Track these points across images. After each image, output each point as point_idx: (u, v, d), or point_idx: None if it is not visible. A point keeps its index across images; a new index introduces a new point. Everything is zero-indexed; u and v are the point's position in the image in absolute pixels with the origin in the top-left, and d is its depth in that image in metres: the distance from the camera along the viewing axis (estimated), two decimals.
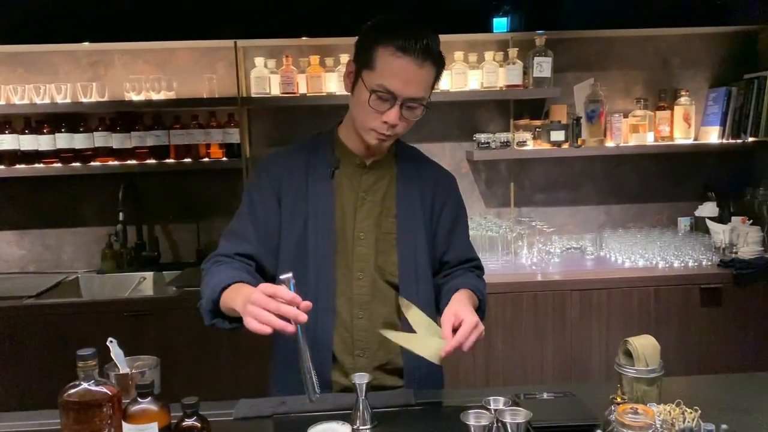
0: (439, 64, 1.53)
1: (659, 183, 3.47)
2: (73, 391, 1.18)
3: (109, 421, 1.18)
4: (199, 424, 1.21)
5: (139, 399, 1.20)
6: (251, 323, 1.26)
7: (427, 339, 1.44)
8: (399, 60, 1.46)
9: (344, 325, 1.61)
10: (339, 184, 1.64)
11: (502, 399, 1.32)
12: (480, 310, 1.62)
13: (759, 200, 3.25)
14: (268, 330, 1.23)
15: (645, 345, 1.38)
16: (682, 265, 2.93)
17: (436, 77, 1.55)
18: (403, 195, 1.66)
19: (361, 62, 1.52)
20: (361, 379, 1.46)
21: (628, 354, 1.42)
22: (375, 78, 1.48)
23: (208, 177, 3.30)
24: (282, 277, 1.28)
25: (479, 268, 1.79)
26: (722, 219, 3.24)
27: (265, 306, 1.25)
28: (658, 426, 1.15)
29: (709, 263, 2.94)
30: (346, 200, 1.63)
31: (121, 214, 3.08)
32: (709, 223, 3.19)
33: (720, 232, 3.08)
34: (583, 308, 2.79)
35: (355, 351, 1.61)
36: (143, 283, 3.13)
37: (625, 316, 2.81)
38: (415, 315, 1.51)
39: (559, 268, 2.97)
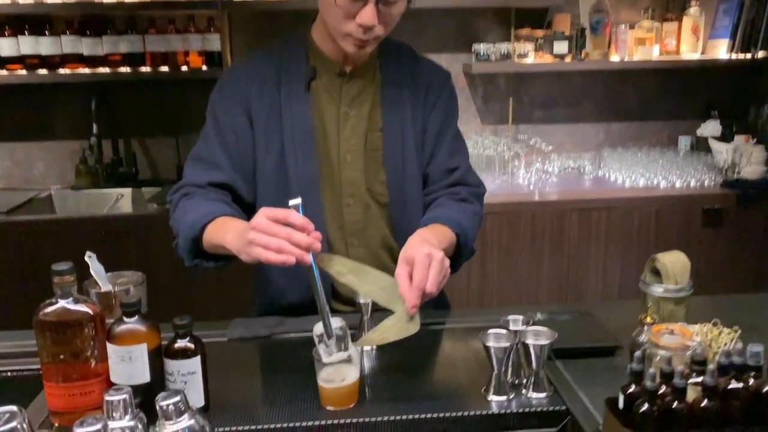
0: None
1: (661, 101, 3.33)
2: (49, 309, 1.05)
3: (91, 343, 1.06)
4: (192, 346, 1.09)
5: (124, 318, 1.08)
6: (259, 253, 1.09)
7: (395, 307, 1.16)
8: None
9: (339, 254, 1.46)
10: (317, 98, 1.43)
11: (521, 318, 1.22)
12: (459, 247, 1.38)
13: (763, 119, 3.14)
14: (283, 259, 1.07)
15: (674, 262, 1.28)
16: (684, 185, 2.84)
17: None
18: (389, 104, 1.45)
19: None
20: (365, 299, 1.35)
21: (655, 272, 1.32)
22: None
23: (188, 88, 3.07)
24: (291, 202, 1.11)
25: (471, 187, 1.50)
26: (725, 138, 3.13)
27: (273, 233, 1.09)
28: (696, 347, 1.06)
29: (712, 183, 2.85)
30: (327, 116, 1.44)
31: (94, 126, 2.88)
32: (711, 142, 3.09)
33: (723, 152, 2.98)
34: (582, 229, 2.71)
35: None
36: (121, 201, 2.97)
37: (624, 238, 2.73)
38: (368, 280, 1.19)
39: (557, 188, 2.87)
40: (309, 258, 1.07)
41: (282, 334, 1.41)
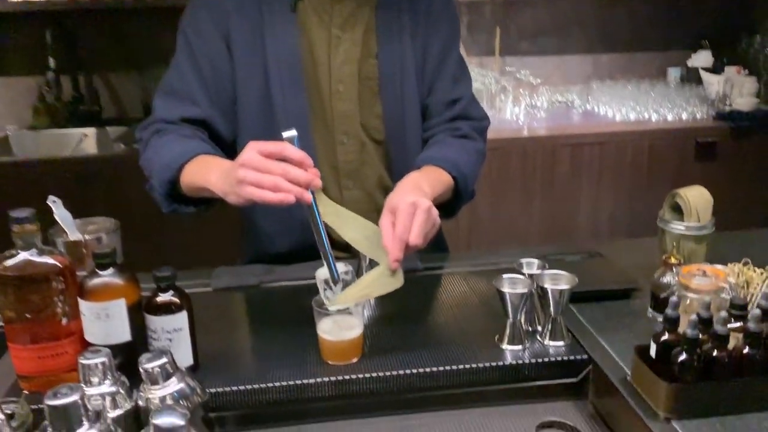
0: None
1: (651, 30, 3.21)
2: (10, 262, 0.92)
3: (60, 299, 0.94)
4: (177, 300, 0.98)
5: (98, 271, 0.95)
6: (251, 192, 0.95)
7: (379, 259, 1.03)
8: None
9: (332, 198, 1.32)
10: (304, 20, 1.27)
11: (536, 262, 1.12)
12: (457, 191, 1.27)
13: (755, 49, 3.04)
14: (281, 198, 0.93)
15: (697, 197, 1.19)
16: (676, 118, 2.76)
17: None
18: (385, 28, 1.30)
19: None
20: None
21: (674, 208, 1.23)
22: None
23: (154, 16, 2.84)
24: (285, 134, 0.98)
25: (474, 121, 1.38)
26: (716, 69, 3.04)
27: (267, 169, 0.95)
28: (729, 290, 0.97)
29: (704, 116, 2.77)
30: (316, 41, 1.28)
31: (51, 61, 2.66)
32: (702, 73, 2.99)
33: (714, 83, 2.89)
34: (574, 165, 2.62)
35: None
36: (85, 142, 2.79)
37: (616, 173, 2.65)
38: (353, 226, 1.06)
39: (546, 123, 2.76)
40: (309, 196, 0.95)
41: (272, 283, 1.30)
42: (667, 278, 1.09)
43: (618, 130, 2.65)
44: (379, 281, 1.01)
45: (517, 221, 2.65)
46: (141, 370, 0.85)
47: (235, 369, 1.01)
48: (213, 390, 0.96)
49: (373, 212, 1.34)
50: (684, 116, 2.76)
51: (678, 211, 1.22)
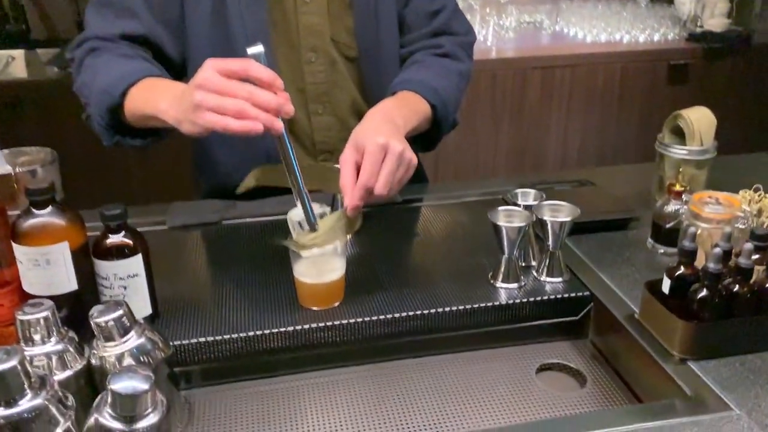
0: None
1: None
2: None
3: None
4: (130, 241, 0.84)
5: (33, 210, 0.81)
6: (211, 120, 0.79)
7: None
8: None
9: (299, 125, 1.20)
10: None
11: (532, 192, 1.02)
12: (437, 121, 1.14)
13: None
14: (247, 127, 0.78)
15: (700, 119, 1.10)
16: (648, 39, 2.66)
17: None
18: None
19: None
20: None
21: (676, 132, 1.14)
22: None
23: None
24: (250, 50, 0.82)
25: (457, 36, 1.25)
26: None
27: (228, 91, 0.79)
28: (746, 218, 0.90)
29: (676, 37, 2.68)
30: None
31: None
32: None
33: (686, 3, 2.79)
34: (545, 89, 2.51)
35: (319, 156, 1.23)
36: (12, 64, 2.52)
37: (587, 96, 2.56)
38: (308, 171, 0.93)
39: (515, 44, 2.63)
40: (280, 124, 0.81)
41: (235, 220, 1.17)
42: (671, 207, 1.01)
43: (590, 51, 2.54)
44: (335, 228, 0.88)
45: (484, 149, 2.55)
46: (93, 324, 0.73)
47: (200, 317, 0.90)
48: (176, 342, 0.85)
49: (344, 142, 1.21)
50: (656, 38, 2.67)
51: (678, 135, 1.13)
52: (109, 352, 0.74)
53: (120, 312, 0.74)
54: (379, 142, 0.87)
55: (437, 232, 1.14)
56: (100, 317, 0.73)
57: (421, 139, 1.18)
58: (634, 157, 2.65)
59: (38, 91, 2.24)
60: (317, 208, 0.89)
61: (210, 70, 0.81)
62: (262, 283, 0.97)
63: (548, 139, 2.59)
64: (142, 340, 0.76)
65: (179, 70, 1.15)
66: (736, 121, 2.57)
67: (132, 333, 0.75)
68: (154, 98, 0.94)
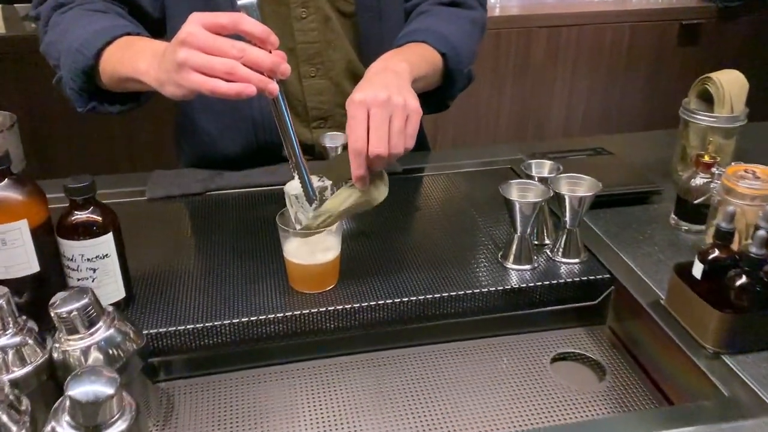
0: None
1: None
2: None
3: None
4: (99, 218, 0.75)
5: None
6: (197, 81, 0.69)
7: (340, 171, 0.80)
8: None
9: (289, 89, 1.09)
10: None
11: (548, 163, 0.93)
12: (449, 72, 1.02)
13: None
14: (237, 89, 0.68)
15: (732, 82, 1.00)
16: None
17: None
18: None
19: None
20: (333, 141, 1.02)
21: (703, 97, 1.04)
22: None
23: None
24: (241, 2, 0.71)
25: None
26: None
27: (216, 48, 0.69)
28: None
29: None
30: None
31: None
32: None
33: None
34: (550, 49, 2.39)
35: (312, 123, 1.13)
36: None
37: (593, 58, 2.45)
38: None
39: (519, 1, 2.49)
40: (275, 86, 0.71)
41: (220, 191, 1.08)
42: (699, 180, 0.92)
43: (597, 10, 2.41)
44: (350, 201, 0.78)
45: (486, 113, 2.44)
46: (53, 316, 0.64)
47: (181, 301, 0.81)
48: (153, 331, 0.76)
49: (340, 106, 1.11)
50: None
51: (705, 100, 1.03)
52: (73, 346, 0.65)
53: (85, 301, 0.65)
54: (357, 99, 0.76)
55: (441, 205, 1.04)
56: (62, 307, 0.64)
57: (433, 97, 1.06)
58: (639, 120, 2.55)
59: (16, 46, 2.11)
60: (316, 181, 0.79)
61: (195, 24, 0.70)
62: (250, 261, 0.88)
63: (552, 102, 2.48)
64: (111, 331, 0.67)
65: (158, 28, 1.04)
66: (750, 87, 2.47)
67: (99, 324, 0.66)
68: (133, 58, 0.83)
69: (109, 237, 0.75)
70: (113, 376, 0.57)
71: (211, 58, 0.69)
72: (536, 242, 0.92)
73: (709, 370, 0.70)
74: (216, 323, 0.77)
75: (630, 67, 2.47)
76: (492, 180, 1.12)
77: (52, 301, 0.65)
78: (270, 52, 0.70)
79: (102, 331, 0.66)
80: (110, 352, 0.66)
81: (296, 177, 0.77)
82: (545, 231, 0.92)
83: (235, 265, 0.88)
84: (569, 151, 1.15)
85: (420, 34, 1.00)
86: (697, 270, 0.75)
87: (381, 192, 0.80)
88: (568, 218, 0.86)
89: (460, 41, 1.03)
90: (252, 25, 0.69)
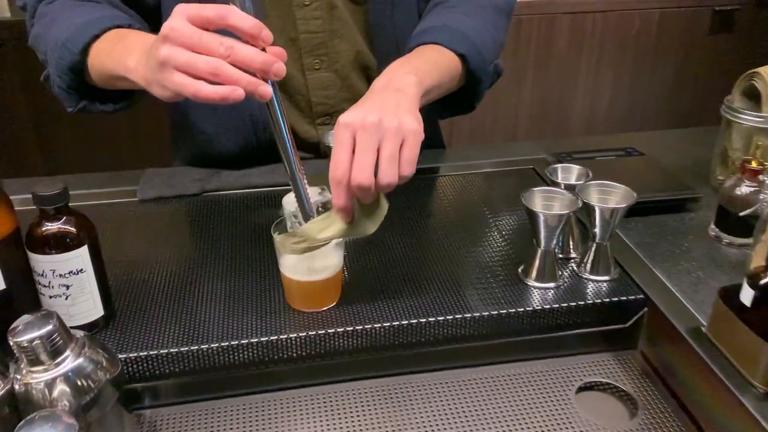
0: None
1: None
2: None
3: None
4: (72, 229, 0.67)
5: None
6: (179, 83, 0.62)
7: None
8: None
9: (292, 83, 1.00)
10: None
11: (575, 168, 0.83)
12: (471, 75, 0.90)
13: None
14: (223, 93, 0.60)
15: None
16: None
17: None
18: None
19: None
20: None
21: (749, 94, 0.94)
22: None
23: None
24: None
25: None
26: None
27: (201, 45, 0.61)
28: None
29: None
30: None
31: None
32: None
33: None
34: (574, 36, 2.28)
35: (317, 119, 1.04)
36: None
37: (619, 46, 2.33)
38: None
39: None
40: (267, 89, 0.62)
41: (218, 192, 1.00)
42: (744, 189, 0.82)
43: None
44: (337, 229, 0.68)
45: (505, 104, 2.34)
46: (12, 344, 0.57)
47: (167, 319, 0.73)
48: (134, 355, 0.69)
49: (348, 101, 1.02)
50: None
51: (751, 98, 0.93)
52: (36, 378, 0.58)
53: (49, 327, 0.57)
54: (343, 121, 0.65)
55: (455, 210, 0.96)
56: (23, 335, 0.56)
57: (457, 100, 0.94)
58: (666, 114, 2.44)
59: (21, 31, 2.05)
60: (316, 194, 0.70)
61: (179, 17, 0.62)
62: (247, 273, 0.80)
63: (575, 94, 2.37)
64: (80, 360, 0.59)
65: (156, 17, 0.96)
66: None
67: (66, 352, 0.59)
68: (122, 53, 0.75)
69: (83, 250, 0.68)
70: (71, 422, 0.49)
71: (194, 57, 0.61)
72: (561, 255, 0.83)
73: (758, 412, 0.61)
74: (203, 347, 0.70)
75: (658, 56, 2.35)
76: (512, 182, 1.03)
77: (12, 326, 0.57)
78: (263, 49, 0.62)
79: (69, 361, 0.59)
80: (79, 383, 0.59)
81: (293, 191, 0.69)
82: (571, 243, 0.83)
83: (230, 276, 0.80)
84: (597, 151, 1.06)
85: (434, 33, 0.89)
86: (747, 296, 0.66)
87: (374, 222, 0.69)
88: (597, 231, 0.77)
89: (482, 37, 0.91)
90: (240, 19, 0.60)
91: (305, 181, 0.68)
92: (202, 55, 0.61)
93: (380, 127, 0.64)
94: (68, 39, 0.82)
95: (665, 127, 2.46)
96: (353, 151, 0.65)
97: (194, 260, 0.84)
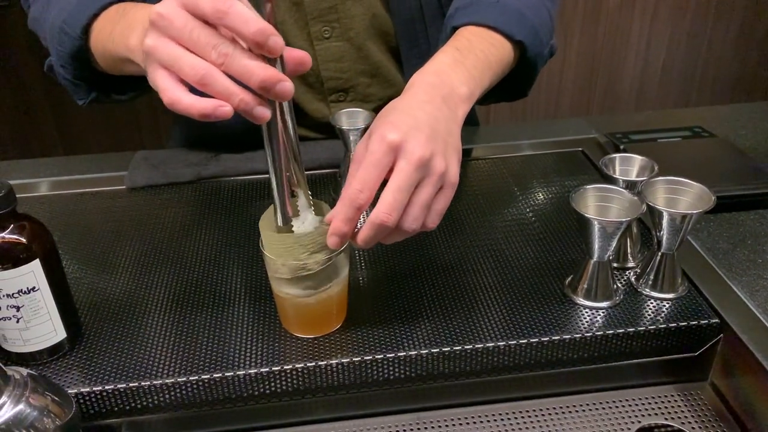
0: None
1: None
2: None
3: None
4: (22, 239, 0.56)
5: None
6: (159, 78, 0.50)
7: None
8: None
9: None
10: None
11: (637, 159, 0.68)
12: (528, 62, 0.75)
13: None
14: (208, 108, 0.47)
15: None
16: None
17: None
18: None
19: None
20: (351, 120, 0.79)
21: None
22: None
23: None
24: None
25: None
26: None
27: (191, 40, 0.47)
28: None
29: None
30: None
31: None
32: None
33: None
34: None
35: (330, 96, 0.90)
36: None
37: (676, 4, 2.11)
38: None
39: None
40: (263, 112, 0.49)
41: (216, 178, 0.88)
42: None
43: None
44: (314, 259, 0.56)
45: (550, 64, 2.14)
46: None
47: (148, 343, 0.62)
48: (96, 389, 0.58)
49: (363, 76, 0.88)
50: None
51: None
52: None
53: None
54: (387, 136, 0.51)
55: (487, 203, 0.81)
56: None
57: (508, 86, 0.77)
58: (728, 79, 2.22)
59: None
60: (304, 202, 0.57)
61: (172, 2, 0.48)
62: (242, 284, 0.68)
63: (627, 55, 2.16)
64: (20, 407, 0.49)
65: None
66: None
67: (2, 399, 0.48)
68: (125, 32, 0.61)
69: (35, 265, 0.56)
70: None
71: (179, 58, 0.48)
72: (616, 264, 0.69)
73: None
74: (180, 379, 0.58)
75: (720, 12, 2.13)
76: (557, 168, 0.89)
77: None
78: (271, 59, 0.48)
79: (6, 409, 0.48)
80: None
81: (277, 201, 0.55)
82: (629, 249, 0.69)
83: (223, 287, 0.68)
84: (658, 131, 0.90)
85: (486, 12, 0.71)
86: None
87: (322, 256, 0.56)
88: (664, 239, 0.62)
89: (540, 15, 0.75)
90: (242, 20, 0.45)
91: (289, 195, 0.54)
92: (190, 56, 0.48)
93: (427, 167, 0.52)
94: (65, 22, 0.70)
95: (727, 94, 2.24)
96: (383, 174, 0.52)
97: (187, 263, 0.72)
